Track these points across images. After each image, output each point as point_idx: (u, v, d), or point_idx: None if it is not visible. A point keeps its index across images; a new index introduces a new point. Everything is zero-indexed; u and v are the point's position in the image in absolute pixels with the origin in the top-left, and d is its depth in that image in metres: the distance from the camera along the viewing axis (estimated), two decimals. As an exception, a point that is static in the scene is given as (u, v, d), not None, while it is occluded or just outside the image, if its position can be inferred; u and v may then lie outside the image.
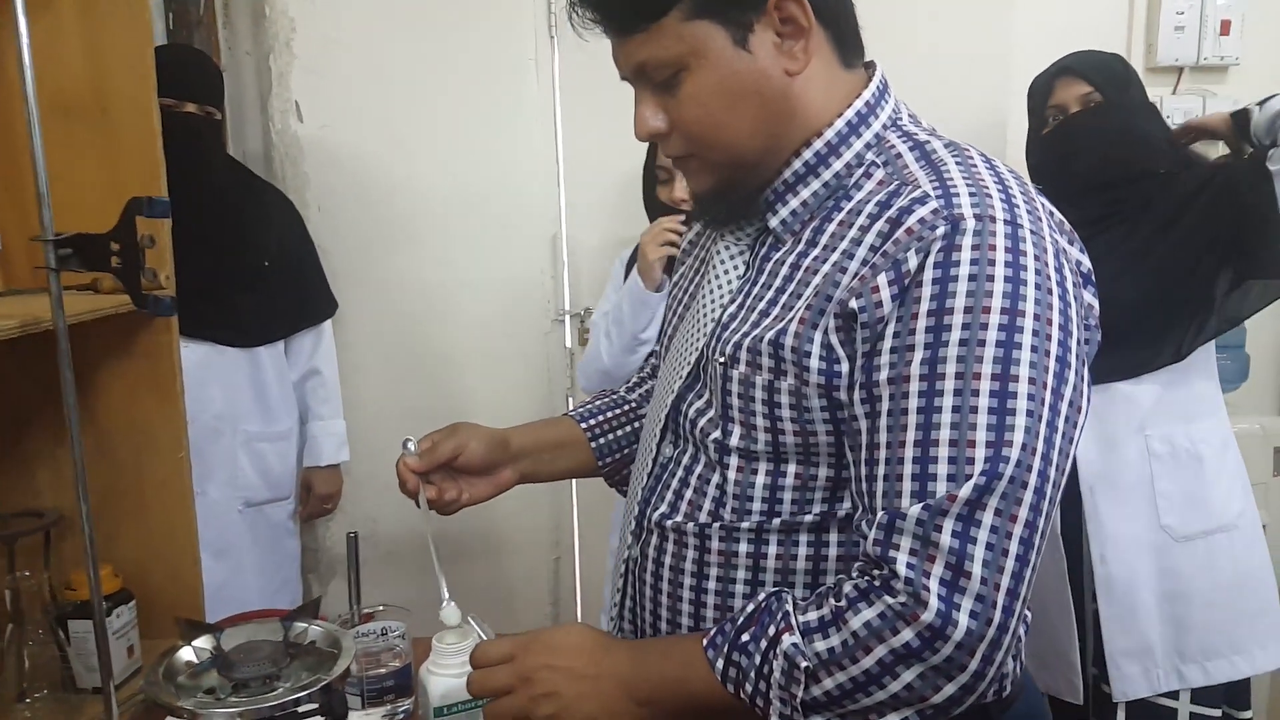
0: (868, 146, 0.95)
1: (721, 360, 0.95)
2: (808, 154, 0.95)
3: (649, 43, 0.91)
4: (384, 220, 2.48)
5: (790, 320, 0.90)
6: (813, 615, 0.84)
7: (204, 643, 0.96)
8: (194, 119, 2.00)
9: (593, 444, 1.24)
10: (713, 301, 1.02)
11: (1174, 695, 1.77)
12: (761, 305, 0.95)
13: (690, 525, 0.98)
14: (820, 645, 0.82)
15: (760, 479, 0.95)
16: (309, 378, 2.34)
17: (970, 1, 2.36)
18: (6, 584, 1.22)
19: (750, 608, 0.88)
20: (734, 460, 0.95)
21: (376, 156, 2.45)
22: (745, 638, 0.85)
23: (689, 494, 1.00)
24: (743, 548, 0.95)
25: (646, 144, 1.70)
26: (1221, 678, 1.75)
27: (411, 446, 1.12)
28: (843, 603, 0.83)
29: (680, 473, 1.02)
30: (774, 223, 0.98)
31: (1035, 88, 1.88)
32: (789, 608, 0.86)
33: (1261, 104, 1.68)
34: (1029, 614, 0.99)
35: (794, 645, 0.83)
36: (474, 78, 2.43)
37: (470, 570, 2.53)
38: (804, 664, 0.82)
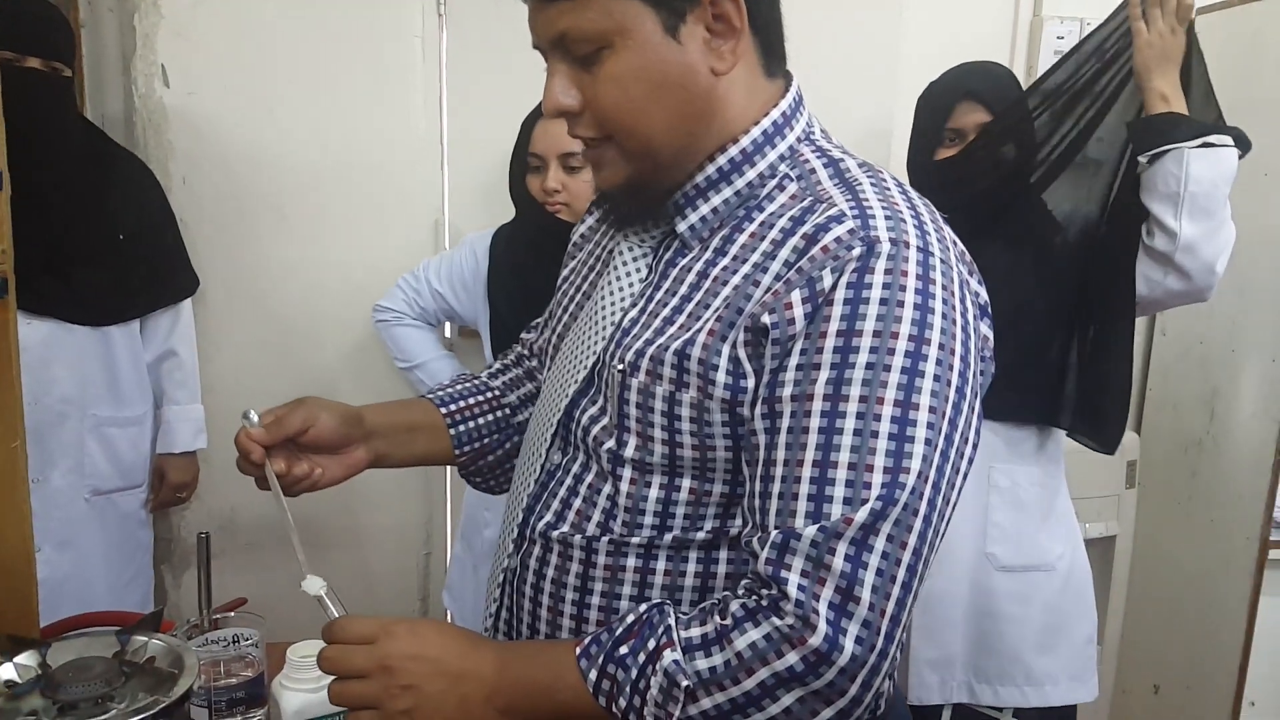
0: (781, 158, 0.94)
1: (620, 368, 0.92)
2: (722, 159, 0.94)
3: (574, 11, 0.87)
4: (252, 195, 2.35)
5: (697, 331, 0.88)
6: (695, 632, 0.82)
7: (27, 659, 0.87)
8: (37, 74, 1.85)
9: (450, 430, 1.19)
10: (611, 304, 0.98)
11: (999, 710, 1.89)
12: (665, 313, 0.93)
13: (577, 537, 0.95)
14: (702, 664, 0.80)
15: (653, 492, 0.92)
16: (165, 359, 2.21)
17: (857, 9, 2.39)
18: None
19: (630, 619, 0.85)
20: (627, 472, 0.93)
21: (247, 128, 2.33)
22: (623, 650, 0.83)
23: (577, 504, 0.97)
24: (630, 562, 0.93)
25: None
26: (1010, 703, 1.85)
27: (254, 417, 1.04)
28: (728, 621, 0.81)
29: (569, 481, 0.98)
30: (682, 227, 0.96)
31: (932, 103, 1.86)
32: (671, 622, 0.83)
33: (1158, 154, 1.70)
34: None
35: (675, 662, 0.80)
36: (356, 51, 2.33)
37: (332, 562, 2.43)
38: (684, 683, 0.80)
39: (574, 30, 0.88)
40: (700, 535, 0.92)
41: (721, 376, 0.86)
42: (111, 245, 2.04)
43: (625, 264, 1.00)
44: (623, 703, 0.82)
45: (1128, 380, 1.83)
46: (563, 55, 0.91)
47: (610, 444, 0.94)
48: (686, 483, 0.91)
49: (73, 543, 2.00)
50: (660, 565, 0.92)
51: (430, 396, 1.22)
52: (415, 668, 0.84)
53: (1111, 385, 1.82)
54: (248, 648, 1.21)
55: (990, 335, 0.94)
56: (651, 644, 0.82)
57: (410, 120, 2.38)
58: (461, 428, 1.19)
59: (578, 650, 0.85)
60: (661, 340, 0.90)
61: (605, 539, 0.94)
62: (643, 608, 0.86)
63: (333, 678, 0.86)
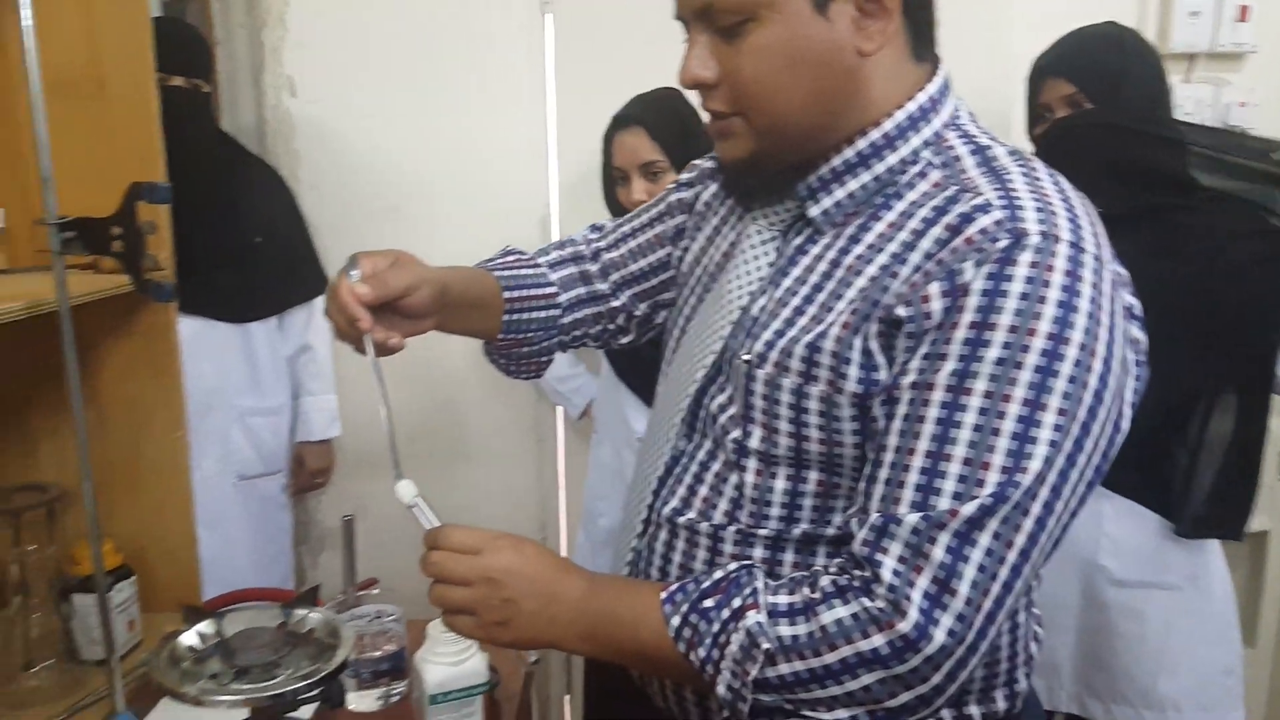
0: (925, 144, 0.90)
1: (747, 359, 0.91)
2: (862, 143, 0.90)
3: None
4: (373, 198, 2.47)
5: (830, 324, 0.86)
6: (782, 599, 0.83)
7: (206, 628, 0.98)
8: (180, 92, 2.00)
9: (504, 317, 1.16)
10: (739, 289, 0.97)
11: None
12: (795, 302, 0.91)
13: (703, 525, 0.95)
14: (785, 630, 0.81)
15: (780, 484, 0.91)
16: (301, 353, 2.36)
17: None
18: (12, 557, 1.24)
19: (719, 575, 0.86)
20: (753, 463, 0.92)
21: (366, 133, 2.45)
22: (709, 603, 0.84)
23: (704, 491, 0.96)
24: (758, 553, 0.92)
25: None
26: None
27: (356, 274, 0.97)
28: (817, 595, 0.82)
29: (695, 468, 0.98)
30: (814, 212, 0.93)
31: (1030, 78, 1.75)
32: (759, 585, 0.84)
33: None
34: (1040, 629, 1.00)
35: (758, 624, 0.81)
36: (463, 52, 2.41)
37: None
38: (765, 645, 0.81)
39: (721, 1, 0.86)
40: (830, 530, 0.90)
41: (854, 371, 0.84)
42: (249, 248, 2.19)
43: (753, 247, 0.98)
44: (702, 653, 0.83)
45: (1259, 461, 1.60)
46: (705, 25, 0.88)
47: (736, 434, 0.92)
48: (814, 476, 0.89)
49: (220, 524, 2.14)
50: (789, 558, 0.91)
51: (498, 276, 1.17)
52: (515, 583, 0.86)
53: (1246, 473, 1.60)
54: (390, 623, 1.31)
55: (1143, 339, 0.88)
56: (737, 602, 0.83)
57: (517, 117, 2.46)
58: (514, 317, 1.16)
59: (663, 595, 0.86)
60: (791, 333, 0.88)
61: (732, 528, 0.93)
62: (733, 566, 0.86)
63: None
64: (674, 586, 0.87)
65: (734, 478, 0.94)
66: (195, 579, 1.48)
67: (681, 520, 0.97)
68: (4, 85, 1.36)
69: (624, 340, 1.29)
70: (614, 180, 2.01)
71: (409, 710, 1.26)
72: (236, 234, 2.16)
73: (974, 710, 0.93)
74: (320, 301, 2.38)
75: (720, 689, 0.83)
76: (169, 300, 1.17)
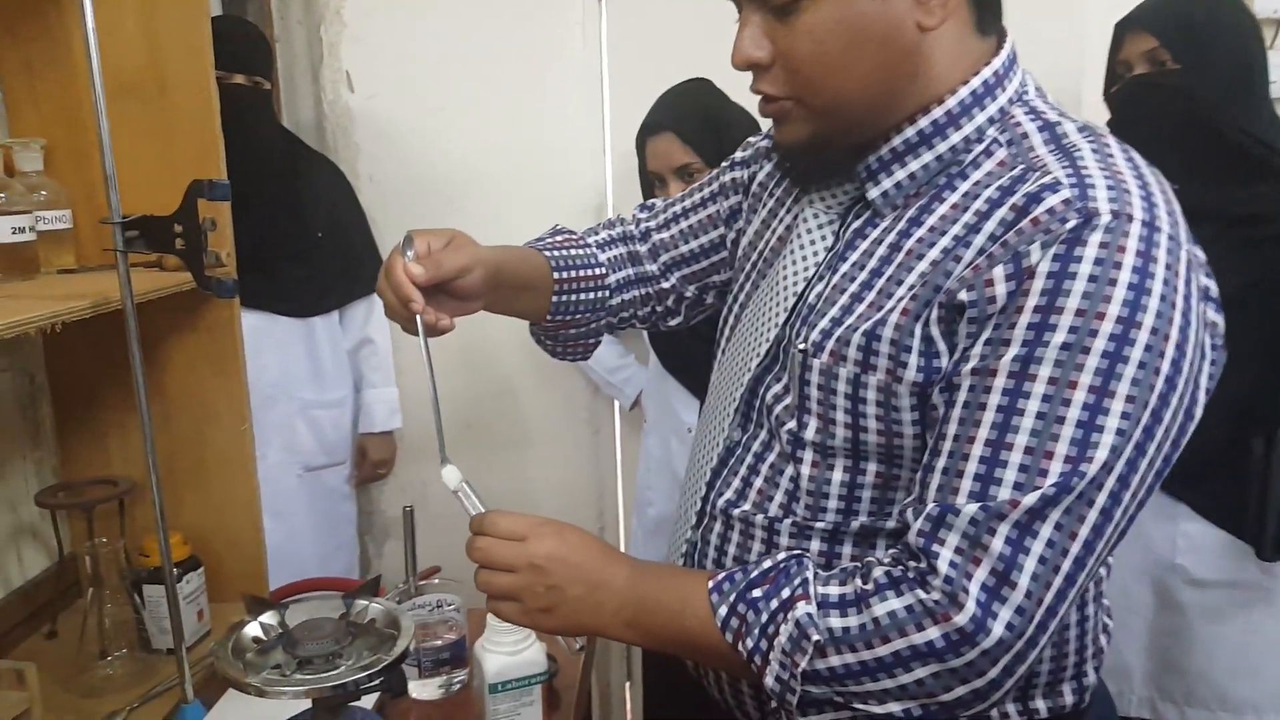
0: (990, 121, 0.86)
1: (803, 348, 0.88)
2: (924, 122, 0.86)
3: None
4: (431, 191, 2.49)
5: (889, 311, 0.83)
6: (833, 590, 0.81)
7: (269, 618, 0.99)
8: (242, 90, 2.03)
9: (553, 299, 1.15)
10: (794, 274, 0.95)
11: None
12: (853, 288, 0.88)
13: (759, 517, 0.93)
14: (836, 622, 0.80)
15: (837, 476, 0.88)
16: (362, 346, 2.39)
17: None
18: (86, 550, 1.27)
19: (767, 564, 0.85)
20: (809, 455, 0.90)
21: (422, 126, 2.47)
22: (757, 594, 0.83)
23: (758, 483, 0.94)
24: (815, 545, 0.90)
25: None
26: None
27: (411, 253, 0.96)
28: (869, 586, 0.80)
29: (750, 459, 0.96)
30: (874, 194, 0.89)
31: (1114, 33, 1.61)
32: (809, 575, 0.83)
33: None
34: (1109, 621, 0.97)
35: (808, 615, 0.80)
36: (518, 43, 2.42)
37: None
38: (815, 637, 0.79)
39: None
40: (889, 524, 0.87)
41: (914, 359, 0.81)
42: (310, 242, 2.21)
43: (809, 230, 0.95)
44: (749, 644, 0.82)
45: None
46: (758, 4, 0.85)
47: (791, 425, 0.90)
48: (872, 467, 0.87)
49: (286, 515, 2.18)
50: (846, 551, 0.89)
51: (548, 257, 1.14)
52: (560, 569, 0.86)
53: None
54: (450, 612, 1.32)
55: (1220, 322, 0.84)
56: (786, 593, 0.81)
57: (572, 106, 2.46)
58: (563, 298, 1.15)
59: (710, 584, 0.85)
60: (849, 320, 0.86)
61: (788, 521, 0.91)
62: (781, 556, 0.85)
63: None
64: (721, 576, 0.86)
65: (790, 469, 0.92)
66: (261, 569, 1.50)
67: (736, 512, 0.95)
68: (68, 88, 1.39)
69: (672, 322, 1.27)
70: (651, 184, 1.99)
71: (469, 699, 1.26)
72: (299, 229, 2.19)
73: (1040, 704, 0.91)
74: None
75: (768, 680, 0.82)
76: (230, 296, 1.19)
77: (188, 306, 1.41)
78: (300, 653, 0.93)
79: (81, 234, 1.39)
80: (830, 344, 0.86)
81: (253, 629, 0.99)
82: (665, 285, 1.22)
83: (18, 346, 1.46)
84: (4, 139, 1.38)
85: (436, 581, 1.34)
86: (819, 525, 0.90)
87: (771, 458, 0.94)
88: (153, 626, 1.36)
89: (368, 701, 1.13)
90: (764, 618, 0.81)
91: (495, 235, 2.64)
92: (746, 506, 0.95)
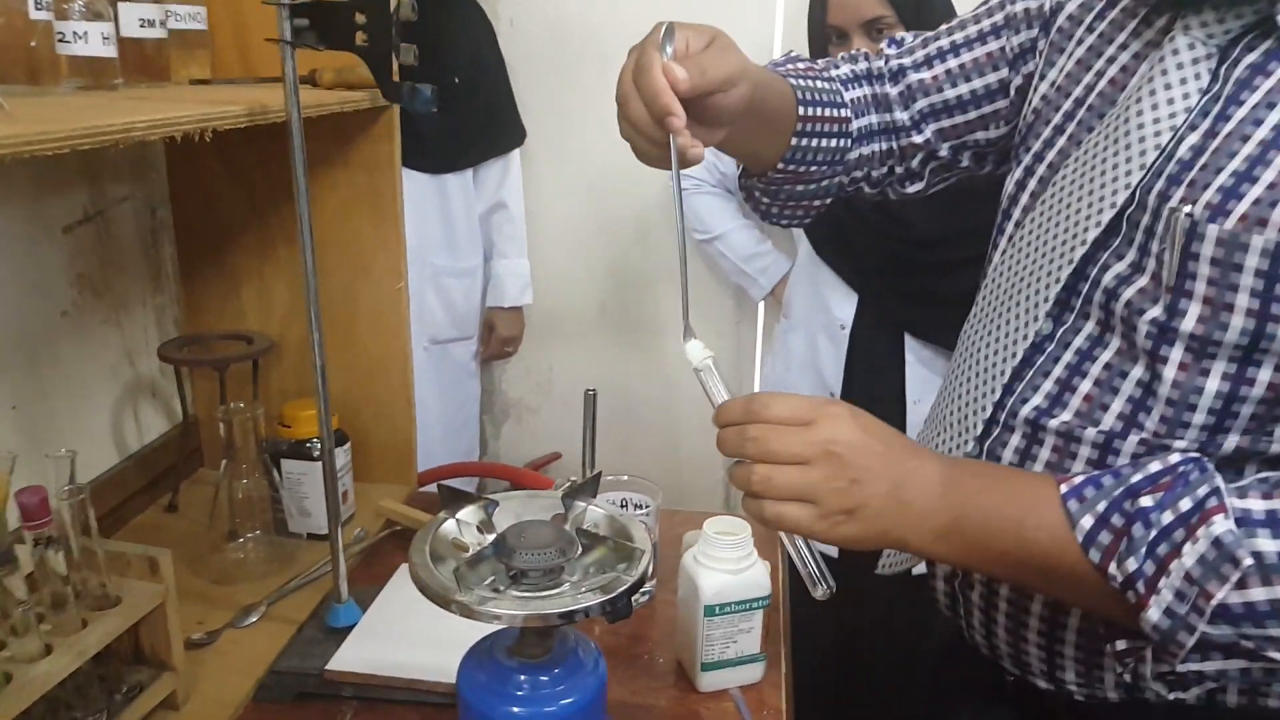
0: None
1: (1190, 211, 0.69)
2: None
3: None
4: (577, 39, 2.23)
5: None
6: (1257, 504, 0.63)
7: (469, 516, 0.79)
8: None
9: (794, 140, 0.94)
10: (1155, 121, 0.74)
11: None
12: (1261, 134, 0.68)
13: (1089, 431, 0.74)
14: (1266, 545, 0.61)
15: (1213, 384, 0.69)
16: (495, 211, 2.17)
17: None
18: (220, 415, 1.08)
19: (1154, 467, 0.66)
20: (1178, 352, 0.70)
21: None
22: (1146, 502, 0.64)
23: (1085, 387, 0.75)
24: None
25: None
26: None
27: (670, 49, 0.76)
28: None
29: (1070, 357, 0.77)
30: None
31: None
32: (1219, 483, 0.64)
33: None
34: None
35: (1230, 533, 0.61)
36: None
37: (640, 454, 2.37)
38: (1246, 561, 0.60)
39: None
40: (1274, 447, 0.70)
41: None
42: (448, 89, 1.98)
43: (1178, 67, 0.74)
44: (1132, 565, 0.63)
45: None
46: None
47: (1156, 312, 0.71)
48: (1266, 375, 0.68)
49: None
50: None
51: (793, 85, 0.94)
52: (863, 460, 0.68)
53: None
54: (641, 517, 1.11)
55: None
56: (1189, 503, 0.63)
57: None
58: (803, 141, 0.94)
59: (1064, 488, 0.67)
60: (1268, 176, 0.66)
61: (1134, 437, 0.73)
62: (1174, 458, 0.66)
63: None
64: (1078, 479, 0.67)
65: (1140, 371, 0.73)
66: (411, 449, 1.31)
67: (1052, 424, 0.76)
68: None
69: (910, 189, 1.05)
70: (825, 40, 1.67)
71: (672, 619, 1.06)
72: (434, 70, 1.95)
73: None
74: (516, 155, 2.17)
75: (1153, 614, 0.63)
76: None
77: (345, 135, 1.19)
78: (516, 563, 0.73)
79: (216, 39, 1.16)
80: (1241, 206, 0.67)
81: (449, 529, 0.78)
82: (916, 140, 1.00)
83: (140, 172, 1.25)
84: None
85: (625, 478, 1.13)
86: (1178, 444, 0.71)
87: (1106, 356, 0.75)
88: (291, 507, 1.17)
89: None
90: (1155, 534, 0.63)
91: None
92: (1067, 416, 0.76)
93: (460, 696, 0.76)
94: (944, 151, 1.00)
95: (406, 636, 0.97)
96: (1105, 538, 0.64)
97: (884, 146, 1.01)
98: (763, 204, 1.04)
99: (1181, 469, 0.65)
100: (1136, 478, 0.65)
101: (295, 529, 1.18)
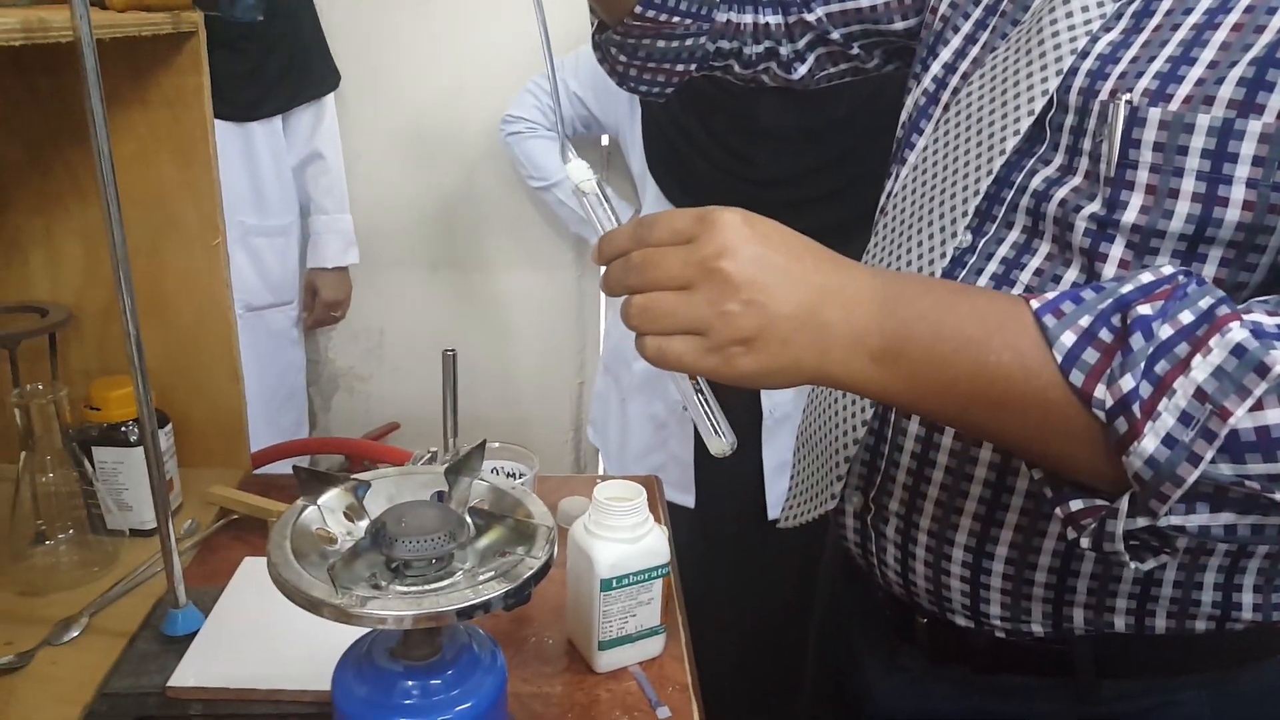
0: None
1: (1129, 99, 0.65)
2: None
3: None
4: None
5: None
6: (1265, 318, 0.53)
7: (334, 501, 0.68)
8: None
9: None
10: (1069, 29, 0.72)
11: None
12: (1193, 20, 0.65)
13: None
14: None
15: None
16: (310, 163, 1.99)
17: None
18: (14, 400, 0.91)
19: (1146, 277, 0.55)
20: (1118, 248, 0.66)
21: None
22: (1145, 310, 0.53)
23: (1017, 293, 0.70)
24: None
25: None
26: None
27: None
28: None
29: (995, 267, 0.72)
30: None
31: None
32: (1222, 294, 0.55)
33: None
34: None
35: (1252, 338, 0.51)
36: None
37: (481, 390, 2.26)
38: (1278, 368, 0.50)
39: None
40: None
41: None
42: (248, 25, 1.78)
43: None
44: (1127, 384, 0.52)
45: None
46: None
47: (1094, 208, 0.67)
48: (1210, 270, 0.64)
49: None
50: None
51: None
52: (761, 277, 0.55)
53: None
54: (518, 486, 1.01)
55: None
56: (1190, 316, 0.53)
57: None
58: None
59: (1035, 303, 0.56)
60: (1205, 55, 0.64)
61: None
62: (1166, 268, 0.56)
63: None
64: (1050, 295, 0.56)
65: (1075, 274, 0.69)
66: (241, 426, 1.17)
67: None
68: None
69: (795, 76, 1.00)
70: None
71: (554, 594, 0.98)
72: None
73: None
74: (330, 101, 2.00)
75: (1148, 444, 0.52)
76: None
77: (141, 68, 1.02)
78: (399, 553, 0.63)
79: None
80: (1182, 87, 0.64)
81: (310, 518, 0.67)
82: (808, 18, 0.96)
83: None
84: None
85: (498, 445, 1.03)
86: None
87: (1036, 262, 0.71)
88: (109, 501, 1.01)
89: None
90: (1154, 347, 0.52)
91: (467, 35, 2.22)
92: None
93: (336, 710, 0.66)
94: (835, 36, 0.97)
95: (261, 641, 0.85)
96: (1091, 355, 0.54)
97: (764, 21, 0.96)
98: (619, 64, 0.97)
99: (1180, 278, 0.55)
100: (1128, 288, 0.55)
101: (115, 525, 1.02)
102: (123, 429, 1.00)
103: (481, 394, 2.27)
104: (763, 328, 0.55)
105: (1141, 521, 0.54)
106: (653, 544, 0.88)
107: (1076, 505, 0.57)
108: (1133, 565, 0.56)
